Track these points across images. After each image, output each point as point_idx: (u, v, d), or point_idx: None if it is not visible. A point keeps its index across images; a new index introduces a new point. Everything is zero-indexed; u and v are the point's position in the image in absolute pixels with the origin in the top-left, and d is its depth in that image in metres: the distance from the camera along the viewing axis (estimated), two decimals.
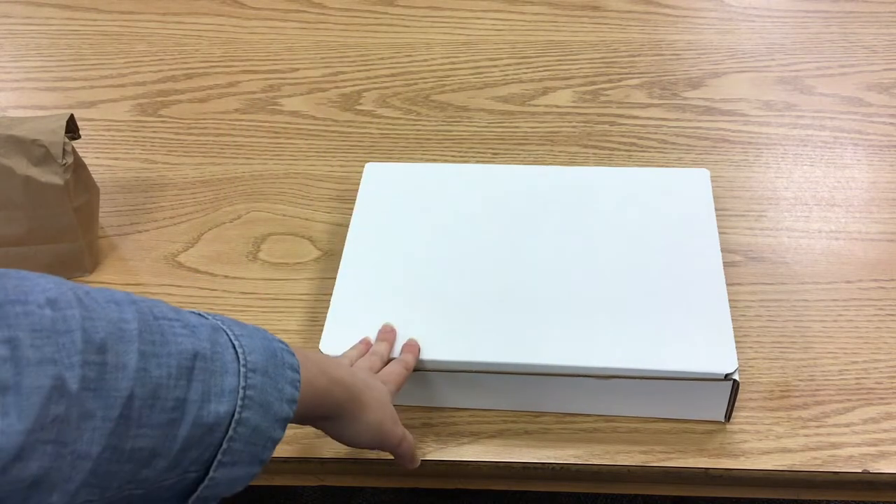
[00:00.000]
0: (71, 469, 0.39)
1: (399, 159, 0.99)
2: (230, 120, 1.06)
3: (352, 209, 0.84)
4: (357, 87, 1.09)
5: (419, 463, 0.69)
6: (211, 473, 0.47)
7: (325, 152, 1.01)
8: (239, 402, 0.47)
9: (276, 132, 1.04)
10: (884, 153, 0.97)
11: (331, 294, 0.76)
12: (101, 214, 0.90)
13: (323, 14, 1.21)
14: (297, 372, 0.52)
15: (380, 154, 1.00)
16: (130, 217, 0.94)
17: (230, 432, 0.47)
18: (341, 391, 0.59)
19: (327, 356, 0.67)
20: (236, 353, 0.48)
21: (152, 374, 0.43)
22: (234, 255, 0.89)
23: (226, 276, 0.87)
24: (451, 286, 0.76)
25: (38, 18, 1.23)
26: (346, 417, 0.60)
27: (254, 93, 1.09)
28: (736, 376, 0.68)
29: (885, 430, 0.72)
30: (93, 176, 0.88)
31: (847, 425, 0.72)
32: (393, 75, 1.11)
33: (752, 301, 0.81)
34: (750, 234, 0.88)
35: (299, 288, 0.85)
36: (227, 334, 0.49)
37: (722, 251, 0.78)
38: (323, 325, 0.74)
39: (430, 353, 0.71)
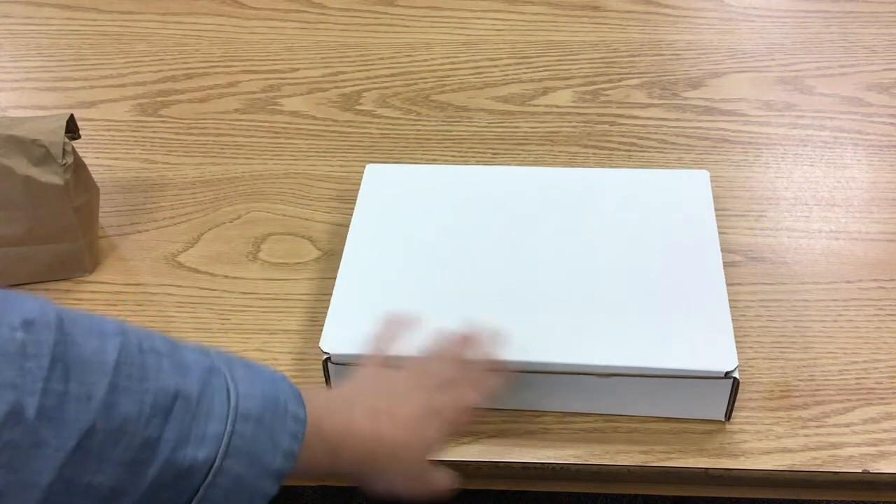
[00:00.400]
0: (19, 496, 0.38)
1: (399, 159, 0.99)
2: (230, 120, 1.06)
3: (352, 209, 0.84)
4: (357, 87, 1.09)
5: (456, 483, 0.64)
6: None
7: (325, 152, 1.01)
8: (221, 450, 0.44)
9: (276, 132, 1.04)
10: (884, 153, 0.97)
11: (331, 294, 0.76)
12: (101, 214, 0.90)
13: (323, 14, 1.21)
14: (302, 424, 0.49)
15: (380, 154, 1.00)
16: (130, 217, 0.94)
17: (209, 479, 0.44)
18: (358, 444, 0.54)
19: (357, 395, 0.60)
20: (228, 397, 0.46)
21: (120, 409, 0.41)
22: (234, 255, 0.89)
23: (226, 276, 0.87)
24: (451, 286, 0.76)
25: (38, 18, 1.23)
26: (368, 472, 0.56)
27: (254, 93, 1.09)
28: (736, 374, 0.69)
29: (885, 430, 0.72)
30: (93, 176, 0.88)
31: (847, 425, 0.72)
32: (393, 75, 1.11)
33: (752, 301, 0.81)
34: (750, 234, 0.88)
35: (299, 288, 0.85)
36: (226, 377, 0.47)
37: (722, 251, 0.78)
38: (323, 325, 0.74)
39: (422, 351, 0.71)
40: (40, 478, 0.39)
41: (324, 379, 0.74)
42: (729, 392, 0.70)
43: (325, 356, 0.72)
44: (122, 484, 0.42)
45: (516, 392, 0.73)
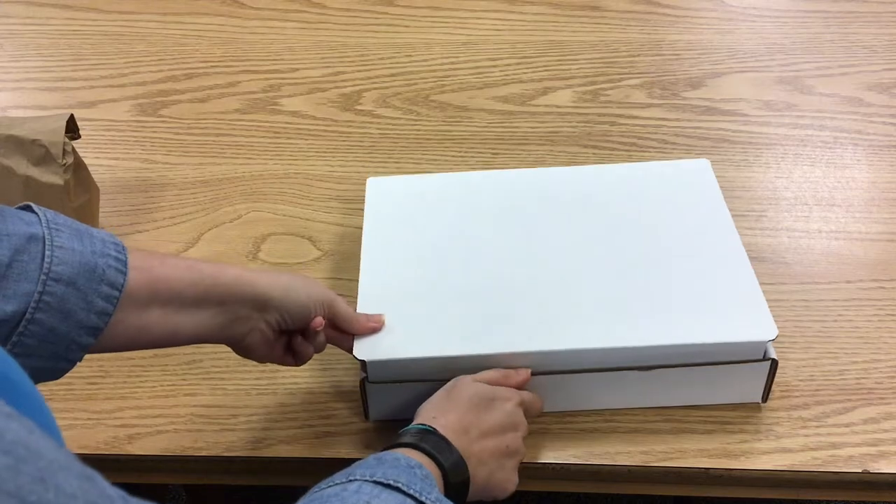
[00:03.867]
0: None
1: (399, 160, 0.99)
2: (230, 120, 1.06)
3: (352, 209, 0.84)
4: (357, 87, 1.09)
5: None
6: None
7: (325, 152, 1.01)
8: (32, 305, 0.51)
9: (276, 132, 1.04)
10: (884, 153, 0.97)
11: None
12: (101, 214, 0.90)
13: (323, 14, 1.21)
14: (118, 289, 0.55)
15: (380, 154, 1.00)
16: (130, 217, 0.94)
17: (20, 328, 0.51)
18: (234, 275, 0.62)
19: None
20: (42, 263, 0.52)
21: None
22: (234, 255, 0.89)
23: None
24: (475, 287, 0.75)
25: (39, 18, 1.23)
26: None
27: (254, 93, 1.09)
28: (773, 355, 0.69)
29: (885, 430, 0.72)
30: (93, 176, 0.88)
31: (847, 425, 0.72)
32: (393, 75, 1.11)
33: None
34: (750, 234, 0.88)
35: None
36: (46, 244, 0.53)
37: None
38: None
39: (462, 349, 0.70)
40: None
41: (361, 395, 0.72)
42: (767, 373, 0.70)
43: (362, 369, 0.71)
44: None
45: (557, 393, 0.72)
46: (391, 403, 0.72)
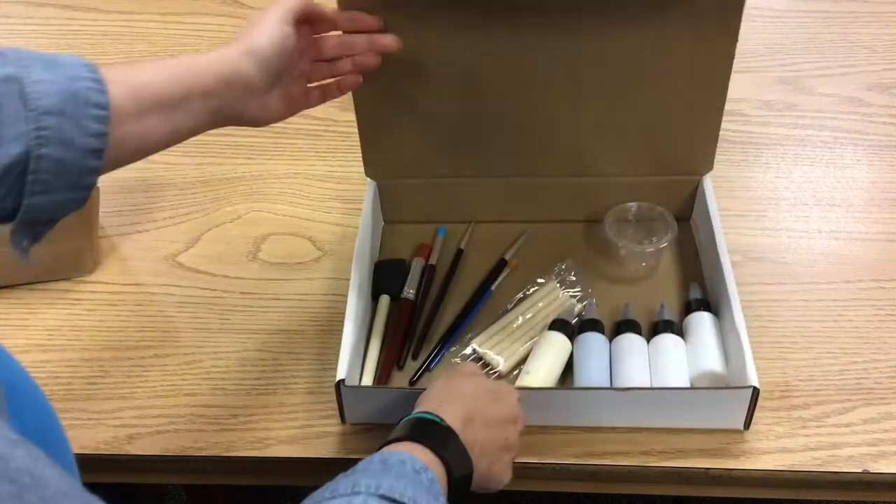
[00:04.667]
0: None
1: None
2: None
3: (352, 209, 0.84)
4: None
5: None
6: (26, 200, 0.54)
7: (325, 152, 1.01)
8: (34, 142, 0.52)
9: (276, 132, 1.03)
10: (884, 153, 0.97)
11: (331, 294, 0.76)
12: (101, 214, 0.90)
13: None
14: (104, 108, 0.55)
15: None
16: (130, 217, 0.94)
17: (32, 166, 0.53)
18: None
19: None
20: (26, 102, 0.52)
21: None
22: (234, 255, 0.89)
23: (226, 276, 0.87)
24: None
25: (38, 18, 1.23)
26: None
27: None
28: (755, 382, 0.68)
29: (885, 430, 0.72)
30: None
31: (847, 425, 0.72)
32: None
33: (753, 301, 0.81)
34: (750, 235, 0.88)
35: (299, 288, 0.85)
36: (23, 82, 0.53)
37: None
38: (323, 326, 0.74)
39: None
40: None
41: (336, 397, 0.72)
42: (749, 400, 0.69)
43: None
44: None
45: (546, 410, 0.72)
46: (366, 407, 0.72)
